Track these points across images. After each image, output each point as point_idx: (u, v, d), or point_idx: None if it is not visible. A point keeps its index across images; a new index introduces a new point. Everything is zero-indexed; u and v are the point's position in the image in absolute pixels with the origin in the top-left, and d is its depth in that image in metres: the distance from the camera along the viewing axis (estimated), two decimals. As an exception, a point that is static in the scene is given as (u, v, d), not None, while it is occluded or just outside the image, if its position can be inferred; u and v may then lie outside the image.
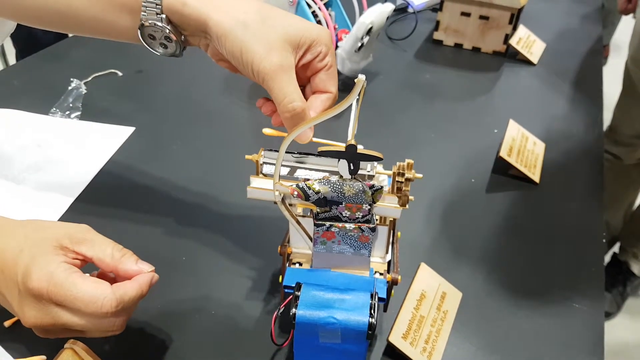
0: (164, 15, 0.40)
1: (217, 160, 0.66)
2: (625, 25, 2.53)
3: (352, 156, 0.35)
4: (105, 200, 0.59)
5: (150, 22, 0.41)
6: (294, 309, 0.36)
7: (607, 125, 1.34)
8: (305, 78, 0.43)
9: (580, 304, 0.51)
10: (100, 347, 0.38)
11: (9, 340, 0.43)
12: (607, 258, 1.53)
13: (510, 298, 0.51)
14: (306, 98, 0.42)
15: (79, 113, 0.72)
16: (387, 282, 0.40)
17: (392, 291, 0.43)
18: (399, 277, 0.40)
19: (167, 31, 0.41)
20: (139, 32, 0.42)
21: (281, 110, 0.40)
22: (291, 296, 0.38)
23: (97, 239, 0.39)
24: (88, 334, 0.37)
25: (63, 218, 0.56)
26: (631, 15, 1.32)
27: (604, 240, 0.60)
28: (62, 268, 0.35)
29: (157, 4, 0.40)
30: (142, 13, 0.41)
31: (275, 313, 0.39)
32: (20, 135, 0.68)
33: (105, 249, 0.38)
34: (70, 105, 0.73)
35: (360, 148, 0.35)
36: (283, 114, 0.40)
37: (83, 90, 0.77)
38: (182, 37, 0.42)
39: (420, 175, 0.39)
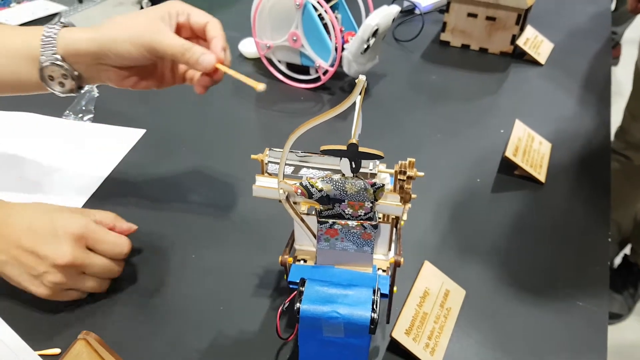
0: (59, 56, 0.48)
1: (225, 161, 0.67)
2: (637, 26, 2.51)
3: (354, 155, 0.36)
4: (117, 201, 0.60)
5: (47, 62, 0.48)
6: (298, 304, 0.37)
7: (617, 126, 1.33)
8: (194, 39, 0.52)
9: (585, 302, 0.51)
10: (111, 339, 0.40)
11: (25, 335, 0.45)
12: (618, 260, 1.51)
13: (514, 296, 0.52)
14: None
15: (91, 116, 0.74)
16: (391, 264, 0.41)
17: (395, 288, 0.43)
18: (402, 259, 0.41)
19: (63, 71, 0.49)
20: (39, 75, 0.49)
21: (189, 63, 0.49)
22: (296, 292, 0.39)
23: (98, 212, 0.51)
24: (101, 275, 0.47)
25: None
26: (641, 15, 1.31)
27: (610, 240, 0.60)
28: (92, 222, 0.47)
29: (52, 46, 0.48)
30: (41, 56, 0.48)
31: (281, 308, 0.40)
32: (34, 137, 0.70)
33: (108, 216, 0.51)
34: (83, 108, 0.75)
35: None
36: (189, 61, 0.49)
37: (95, 93, 0.79)
38: (77, 73, 0.50)
39: (421, 174, 0.40)
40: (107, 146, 0.69)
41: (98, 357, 0.36)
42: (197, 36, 0.53)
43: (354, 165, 0.37)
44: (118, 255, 0.48)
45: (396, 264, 0.41)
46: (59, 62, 0.48)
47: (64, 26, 0.49)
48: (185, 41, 0.49)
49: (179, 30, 0.52)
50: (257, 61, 0.90)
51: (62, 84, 0.50)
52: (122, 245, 0.49)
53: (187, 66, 0.53)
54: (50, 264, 0.44)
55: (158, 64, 0.55)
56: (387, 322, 0.47)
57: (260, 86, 0.48)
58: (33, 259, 0.44)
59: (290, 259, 0.42)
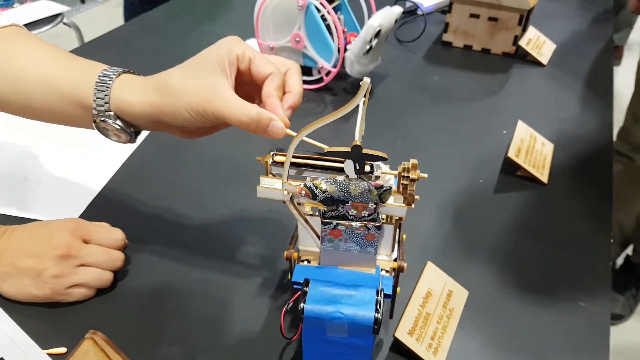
0: (112, 113, 0.44)
1: (229, 162, 0.68)
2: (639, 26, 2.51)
3: (358, 156, 0.36)
4: (119, 203, 0.61)
5: (101, 119, 0.45)
6: (302, 304, 0.38)
7: (619, 126, 1.33)
8: (255, 88, 0.45)
9: (587, 302, 0.52)
10: (118, 338, 0.40)
11: (33, 334, 0.45)
12: (620, 261, 1.51)
13: (517, 296, 0.52)
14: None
15: (95, 116, 0.75)
16: (394, 269, 0.41)
17: (399, 288, 0.44)
18: (405, 264, 0.41)
19: (118, 127, 0.45)
20: (94, 125, 0.46)
21: (257, 133, 0.42)
22: (300, 292, 0.39)
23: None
24: (101, 264, 0.48)
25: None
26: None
27: (612, 240, 0.60)
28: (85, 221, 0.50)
29: (106, 108, 0.44)
30: (94, 111, 0.45)
31: (285, 308, 0.41)
32: (40, 138, 0.70)
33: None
34: (88, 108, 0.76)
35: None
36: (257, 131, 0.42)
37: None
38: (131, 128, 0.46)
39: (425, 175, 0.40)
40: (111, 146, 0.69)
41: (105, 356, 0.36)
42: (257, 83, 0.45)
43: (357, 167, 0.37)
44: (114, 242, 0.50)
45: (399, 270, 0.41)
46: (111, 120, 0.45)
47: (123, 72, 0.45)
48: (250, 109, 0.41)
49: (238, 77, 0.44)
50: (260, 62, 0.90)
51: (118, 136, 0.47)
52: (117, 232, 0.50)
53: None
54: (48, 257, 0.46)
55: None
56: (390, 317, 0.47)
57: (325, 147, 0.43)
58: (32, 261, 0.46)
59: (296, 254, 0.42)
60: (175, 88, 0.42)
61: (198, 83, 0.42)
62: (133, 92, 0.44)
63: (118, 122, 0.45)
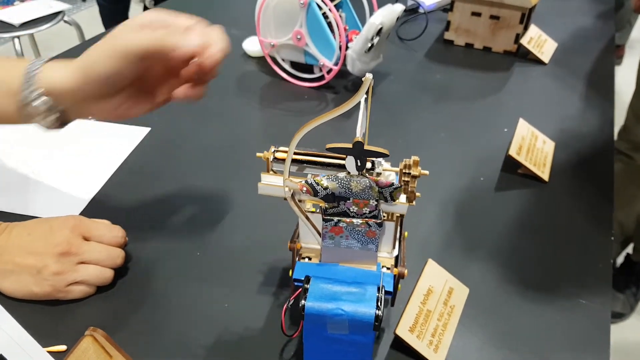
0: (40, 91, 0.45)
1: (230, 159, 0.68)
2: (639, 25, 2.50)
3: (359, 153, 0.36)
4: (121, 198, 0.61)
5: (30, 99, 0.45)
6: (303, 301, 0.38)
7: (620, 125, 1.33)
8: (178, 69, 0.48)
9: (588, 300, 0.52)
10: (118, 335, 0.40)
11: (32, 331, 0.45)
12: (621, 259, 1.51)
13: (518, 294, 0.52)
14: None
15: (96, 113, 0.75)
16: (394, 275, 0.41)
17: (400, 285, 0.44)
18: (406, 271, 0.41)
19: (45, 106, 0.45)
20: (20, 112, 0.46)
21: (174, 51, 0.43)
22: (301, 289, 0.39)
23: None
24: (101, 262, 0.48)
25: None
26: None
27: (612, 238, 0.60)
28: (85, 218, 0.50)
29: (33, 89, 0.44)
30: (22, 91, 0.45)
31: (285, 305, 0.41)
32: (38, 136, 0.70)
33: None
34: (88, 105, 0.76)
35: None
36: (180, 50, 0.43)
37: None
38: (61, 108, 0.46)
39: (426, 172, 0.40)
40: (112, 144, 0.69)
41: (105, 354, 0.36)
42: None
43: (359, 163, 0.37)
44: (114, 240, 0.50)
45: (400, 276, 0.41)
46: (42, 100, 0.45)
47: (50, 59, 0.46)
48: (160, 31, 0.44)
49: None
50: (261, 60, 0.90)
51: (46, 120, 0.47)
52: (117, 229, 0.51)
53: (172, 61, 0.46)
54: (48, 254, 0.46)
55: (147, 79, 0.49)
56: (392, 305, 0.47)
57: None
58: (32, 258, 0.46)
59: (299, 244, 0.42)
60: (97, 44, 0.44)
61: (114, 32, 0.44)
62: (60, 67, 0.45)
63: (45, 98, 0.45)
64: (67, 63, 0.45)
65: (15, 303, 0.47)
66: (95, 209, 0.59)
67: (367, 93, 0.36)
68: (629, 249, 1.49)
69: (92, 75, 0.44)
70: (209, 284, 0.51)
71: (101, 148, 0.68)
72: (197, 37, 0.44)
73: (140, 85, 0.48)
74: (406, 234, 0.46)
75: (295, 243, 0.43)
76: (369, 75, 0.34)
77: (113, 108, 0.47)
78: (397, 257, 0.44)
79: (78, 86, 0.45)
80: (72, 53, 0.90)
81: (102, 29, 0.97)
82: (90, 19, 2.82)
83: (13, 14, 1.81)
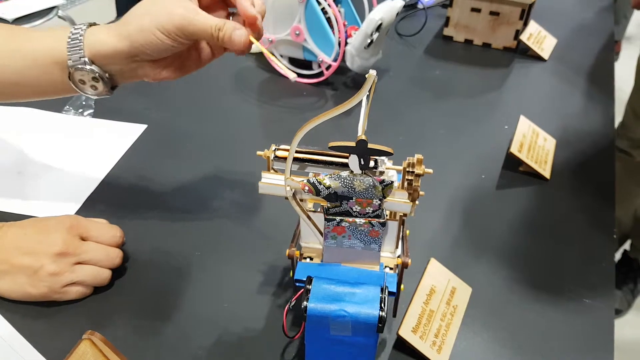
0: (86, 59, 0.45)
1: (229, 157, 0.67)
2: (637, 21, 2.50)
3: (363, 151, 0.35)
4: (118, 197, 0.60)
5: (77, 66, 0.46)
6: (305, 302, 0.37)
7: (618, 121, 1.33)
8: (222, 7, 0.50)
9: (591, 299, 0.51)
10: (116, 339, 0.39)
11: (28, 335, 0.44)
12: (618, 255, 1.52)
13: (520, 293, 0.51)
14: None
15: (91, 111, 0.74)
16: (398, 265, 0.40)
17: (402, 285, 0.43)
18: (409, 260, 0.40)
19: (94, 74, 0.46)
20: (69, 80, 0.47)
21: (223, 42, 0.45)
22: (302, 290, 0.38)
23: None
24: (99, 262, 0.48)
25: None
26: (643, 10, 1.30)
27: (615, 237, 0.59)
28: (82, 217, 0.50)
29: (80, 55, 0.45)
30: (69, 61, 0.45)
31: (287, 306, 0.40)
32: (34, 133, 0.69)
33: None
34: (83, 103, 0.75)
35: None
36: (223, 40, 0.45)
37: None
38: (107, 75, 0.47)
39: (430, 170, 0.39)
40: (108, 141, 0.68)
41: (103, 357, 0.35)
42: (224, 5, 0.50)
43: (362, 162, 0.36)
44: (112, 239, 0.49)
45: (403, 265, 0.41)
46: (88, 66, 0.46)
47: (91, 25, 0.46)
48: (216, 19, 0.45)
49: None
50: (259, 55, 0.89)
51: (94, 87, 0.47)
52: (114, 229, 0.50)
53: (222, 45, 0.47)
54: (45, 254, 0.45)
55: (193, 46, 0.50)
56: (394, 316, 0.46)
57: (291, 75, 0.47)
58: (28, 258, 0.45)
59: (298, 252, 0.42)
60: (146, 12, 0.45)
61: (166, 4, 0.45)
62: (103, 32, 0.46)
63: (93, 66, 0.46)
64: (110, 28, 0.46)
65: (10, 304, 0.46)
66: (91, 208, 0.58)
67: (369, 90, 0.35)
68: (626, 245, 1.49)
69: (140, 45, 0.45)
70: (208, 284, 0.50)
71: (97, 146, 0.67)
72: (245, 34, 0.46)
73: (187, 53, 0.50)
74: (408, 232, 0.45)
75: (294, 251, 0.42)
76: (373, 72, 0.34)
77: (160, 69, 0.48)
78: (399, 256, 0.43)
79: (124, 51, 0.45)
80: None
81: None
82: (85, 14, 2.79)
83: (7, 9, 1.78)
